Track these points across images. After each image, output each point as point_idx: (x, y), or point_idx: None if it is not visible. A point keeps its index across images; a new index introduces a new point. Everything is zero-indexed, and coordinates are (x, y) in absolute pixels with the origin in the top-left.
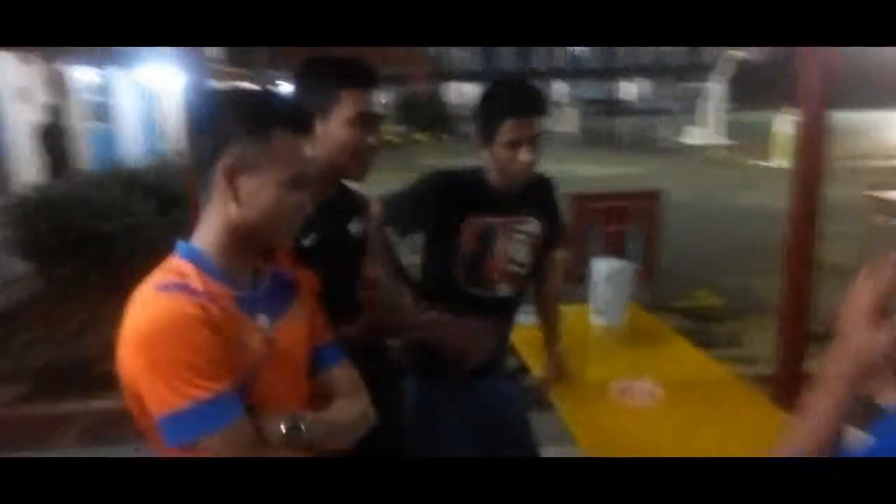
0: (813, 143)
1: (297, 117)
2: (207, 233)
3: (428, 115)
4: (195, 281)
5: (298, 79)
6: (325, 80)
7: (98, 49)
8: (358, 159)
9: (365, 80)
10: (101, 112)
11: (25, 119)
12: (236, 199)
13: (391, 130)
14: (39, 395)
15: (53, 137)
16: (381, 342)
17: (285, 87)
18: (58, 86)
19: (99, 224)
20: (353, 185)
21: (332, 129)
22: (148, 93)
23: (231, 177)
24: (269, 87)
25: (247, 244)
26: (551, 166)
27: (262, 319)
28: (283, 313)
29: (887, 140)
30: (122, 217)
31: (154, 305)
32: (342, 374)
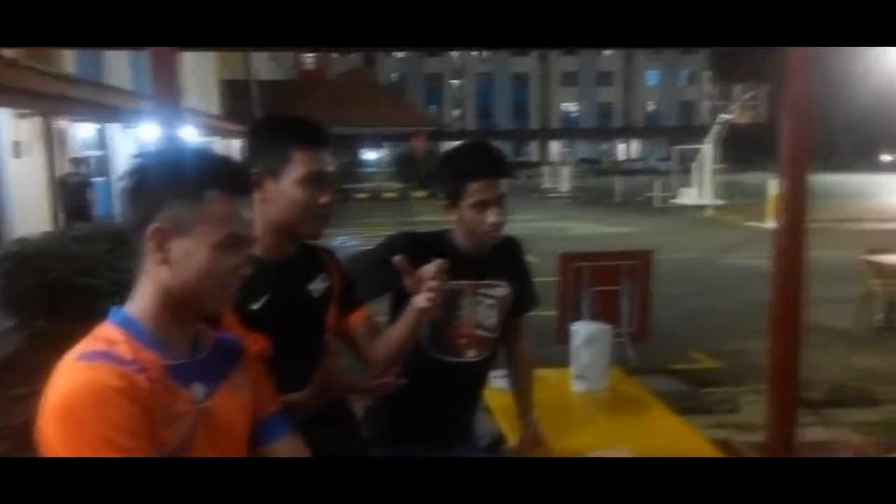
0: (794, 205)
1: (230, 178)
2: (140, 298)
3: (425, 173)
4: (123, 348)
5: (250, 139)
6: (276, 139)
7: (96, 104)
8: (310, 218)
9: (315, 139)
10: (100, 166)
11: (21, 174)
12: (166, 262)
13: (389, 187)
14: (23, 453)
15: (70, 190)
16: (343, 410)
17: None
18: (55, 140)
19: (84, 279)
20: (316, 243)
21: (284, 189)
22: (145, 147)
23: (161, 240)
24: (204, 147)
25: (181, 309)
26: (544, 224)
27: (197, 389)
28: (222, 382)
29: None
30: (107, 272)
31: (74, 375)
32: (286, 447)
